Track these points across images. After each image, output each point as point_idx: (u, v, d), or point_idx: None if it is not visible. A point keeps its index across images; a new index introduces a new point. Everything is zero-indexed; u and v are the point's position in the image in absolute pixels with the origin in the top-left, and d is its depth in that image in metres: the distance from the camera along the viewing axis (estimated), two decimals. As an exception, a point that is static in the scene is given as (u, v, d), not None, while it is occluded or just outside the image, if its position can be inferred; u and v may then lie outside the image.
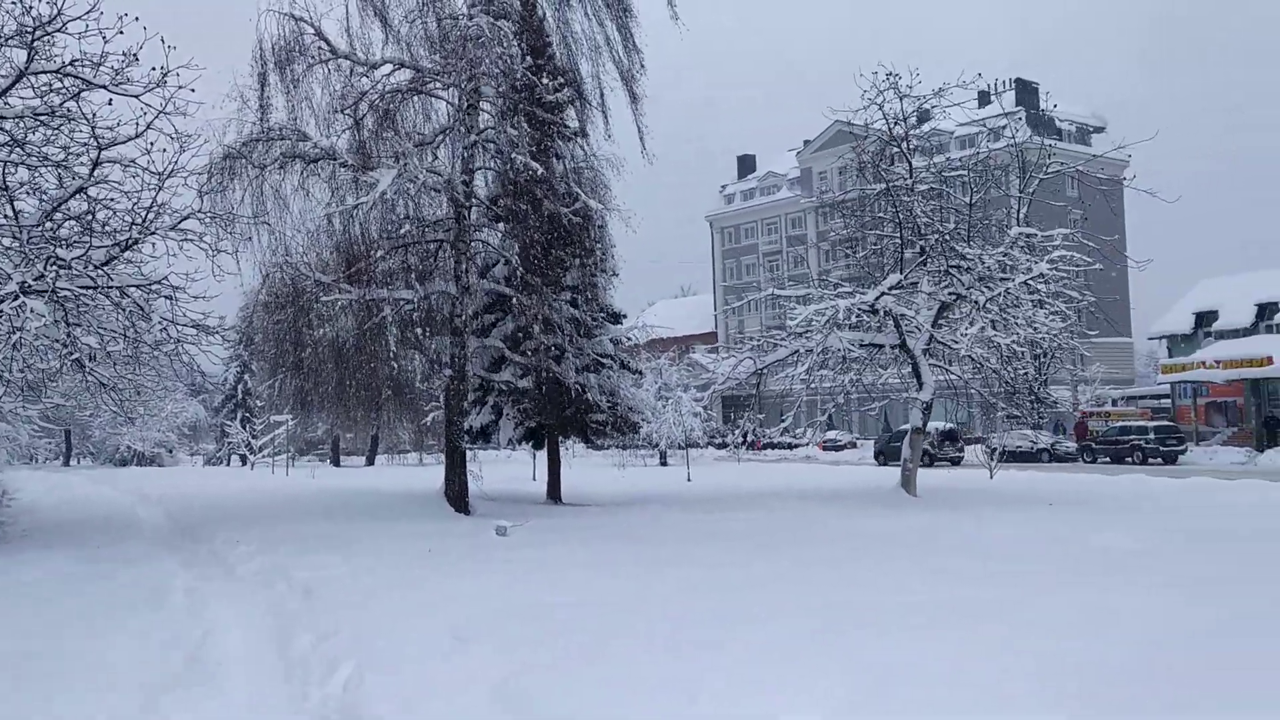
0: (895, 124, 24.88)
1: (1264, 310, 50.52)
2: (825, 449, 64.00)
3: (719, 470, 45.28)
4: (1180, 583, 10.71)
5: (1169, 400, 53.66)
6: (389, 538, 16.13)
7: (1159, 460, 42.83)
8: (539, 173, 19.66)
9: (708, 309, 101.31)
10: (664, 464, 54.11)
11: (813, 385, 24.46)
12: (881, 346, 24.68)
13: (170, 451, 76.91)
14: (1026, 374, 23.93)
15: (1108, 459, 45.02)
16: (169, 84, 16.90)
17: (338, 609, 9.94)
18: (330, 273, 21.06)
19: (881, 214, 25.13)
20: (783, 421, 24.86)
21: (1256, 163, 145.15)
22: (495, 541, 15.77)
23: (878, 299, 23.17)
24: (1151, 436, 43.80)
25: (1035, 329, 22.82)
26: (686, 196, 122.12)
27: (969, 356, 22.40)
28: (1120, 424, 46.81)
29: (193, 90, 17.63)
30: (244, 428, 69.61)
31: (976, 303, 22.77)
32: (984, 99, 74.23)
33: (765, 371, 24.79)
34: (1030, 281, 22.55)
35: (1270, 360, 44.40)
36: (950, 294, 24.31)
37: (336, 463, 68.39)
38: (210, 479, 45.61)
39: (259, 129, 19.89)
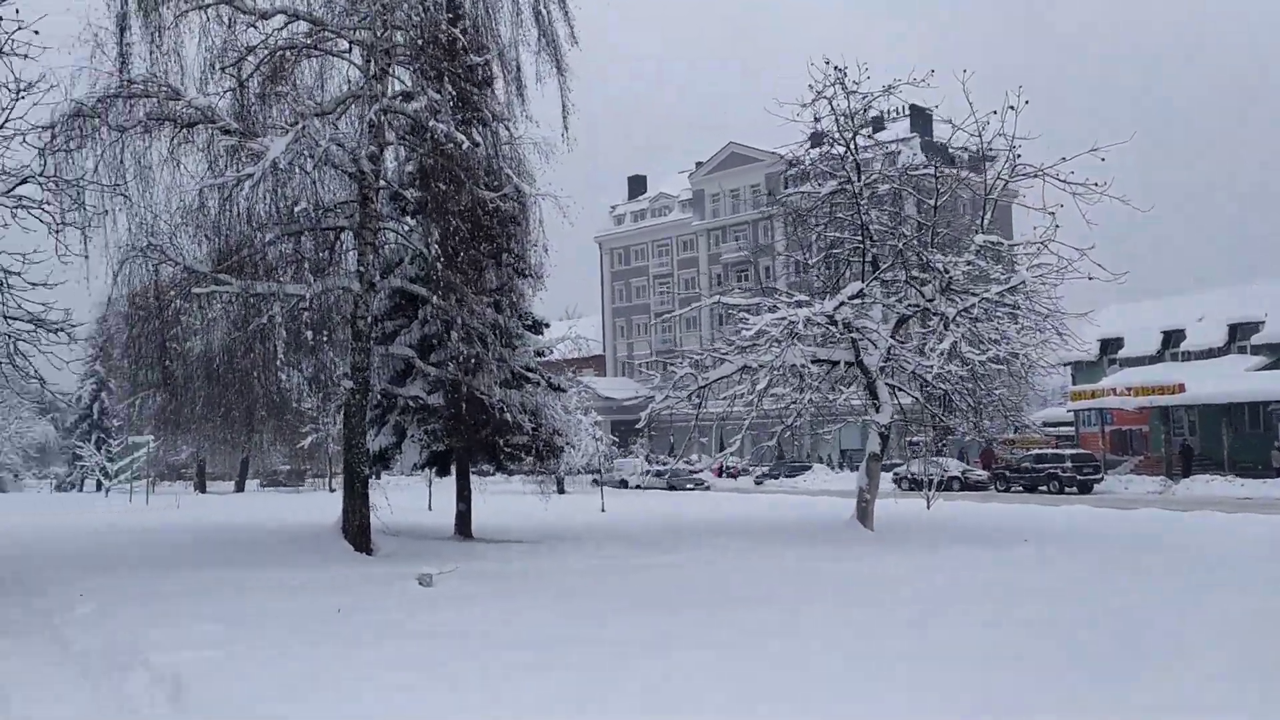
0: (842, 120, 22.72)
1: (1170, 338, 50.49)
2: (719, 476, 61.88)
3: (625, 500, 42.39)
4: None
5: (1072, 427, 53.16)
6: (282, 592, 12.65)
7: (1074, 489, 41.86)
8: (463, 145, 16.49)
9: (593, 332, 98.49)
10: (562, 491, 50.98)
11: (760, 406, 21.80)
12: (836, 363, 22.24)
13: (15, 476, 69.87)
14: (1001, 395, 21.82)
15: (1021, 487, 44.00)
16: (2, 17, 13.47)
17: None
18: (203, 264, 17.43)
19: (840, 216, 22.74)
20: (729, 447, 22.13)
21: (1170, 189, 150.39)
22: (419, 596, 12.46)
23: (836, 309, 20.71)
24: (1069, 465, 42.79)
25: (1010, 344, 20.70)
26: (571, 215, 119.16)
27: (941, 375, 20.07)
28: (1035, 452, 45.77)
29: (36, 32, 14.13)
30: (99, 450, 63.24)
31: (946, 316, 20.50)
32: (878, 124, 74.13)
33: (707, 390, 22.04)
34: (1006, 292, 20.43)
35: (1182, 388, 43.99)
36: (910, 307, 22.07)
37: (203, 489, 62.79)
38: (59, 507, 40.38)
39: (118, 82, 16.18)
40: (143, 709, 7.31)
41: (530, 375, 21.43)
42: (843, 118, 22.72)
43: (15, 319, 15.10)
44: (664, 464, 66.31)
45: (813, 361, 21.63)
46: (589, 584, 13.81)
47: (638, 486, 54.92)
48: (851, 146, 22.76)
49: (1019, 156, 22.10)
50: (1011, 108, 22.55)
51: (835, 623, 10.37)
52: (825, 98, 22.49)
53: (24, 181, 13.71)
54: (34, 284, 15.00)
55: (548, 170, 20.81)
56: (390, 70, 17.89)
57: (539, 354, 22.29)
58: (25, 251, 14.46)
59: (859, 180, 22.40)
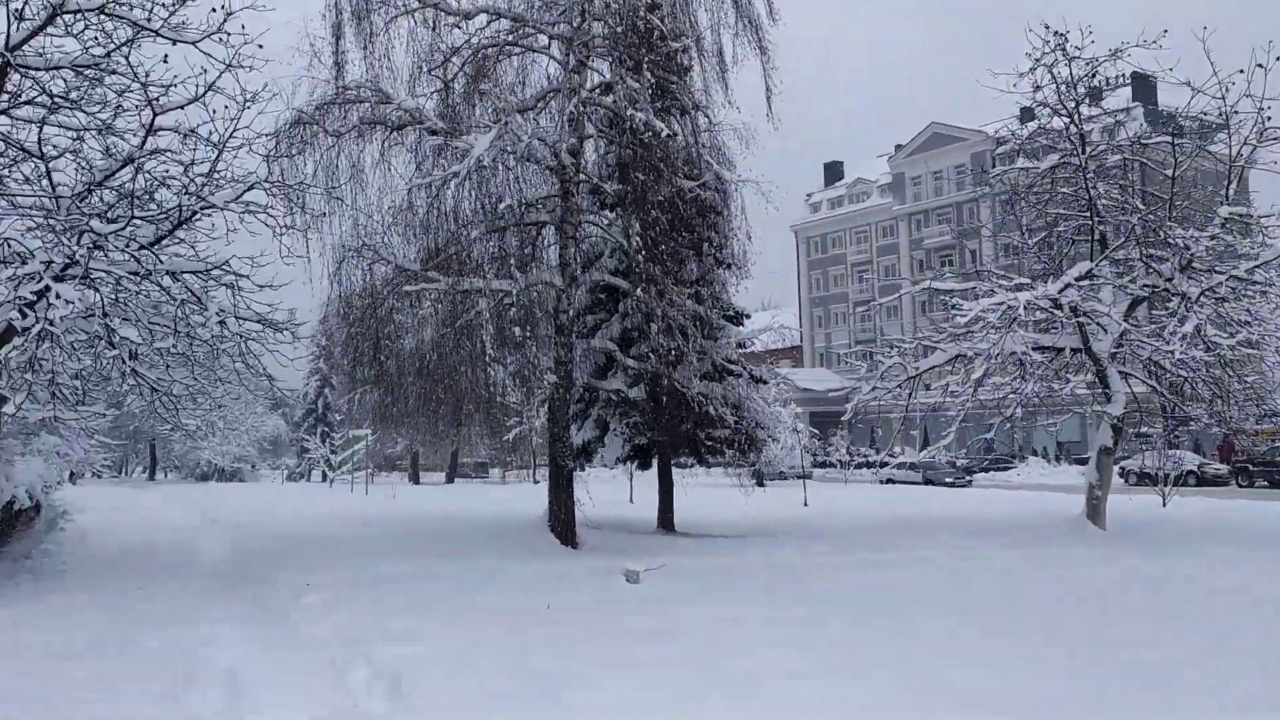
0: (1064, 89, 21.17)
1: None
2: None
3: (826, 493, 41.32)
4: None
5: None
6: (493, 585, 12.73)
7: (1331, 486, 37.98)
8: (661, 134, 16.21)
9: (790, 322, 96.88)
10: (761, 485, 50.08)
11: (976, 397, 20.56)
12: (1061, 350, 20.74)
13: (252, 467, 75.25)
14: (1253, 382, 19.76)
15: (1266, 483, 40.25)
16: (229, 30, 14.09)
17: None
18: (413, 262, 17.92)
19: (1063, 191, 21.21)
20: (941, 440, 20.98)
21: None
22: (627, 593, 12.27)
23: (1062, 291, 19.26)
24: (1326, 459, 38.85)
25: (1264, 326, 18.68)
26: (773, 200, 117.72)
27: (1182, 361, 18.30)
28: (1286, 443, 41.75)
29: (260, 46, 14.77)
30: (323, 443, 67.43)
31: (1187, 296, 18.70)
32: (1096, 95, 69.14)
33: (916, 381, 20.97)
34: (1257, 268, 18.43)
35: None
36: (1144, 287, 20.31)
37: (416, 480, 65.76)
38: (288, 497, 43.07)
39: (333, 89, 16.80)
40: (364, 703, 7.34)
41: (732, 367, 21.00)
42: (1064, 86, 21.23)
43: (245, 319, 15.88)
44: (865, 457, 64.35)
45: (1034, 349, 20.26)
46: (795, 582, 13.25)
47: (889, 480, 48.71)
48: (1075, 117, 21.23)
49: (1269, 119, 19.95)
50: (1260, 65, 20.39)
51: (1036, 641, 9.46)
52: (1045, 65, 21.11)
53: (251, 188, 14.35)
54: (261, 286, 15.76)
55: (747, 156, 20.36)
56: (589, 62, 17.84)
57: (740, 345, 21.79)
58: (253, 255, 15.23)
59: (1084, 153, 20.87)
